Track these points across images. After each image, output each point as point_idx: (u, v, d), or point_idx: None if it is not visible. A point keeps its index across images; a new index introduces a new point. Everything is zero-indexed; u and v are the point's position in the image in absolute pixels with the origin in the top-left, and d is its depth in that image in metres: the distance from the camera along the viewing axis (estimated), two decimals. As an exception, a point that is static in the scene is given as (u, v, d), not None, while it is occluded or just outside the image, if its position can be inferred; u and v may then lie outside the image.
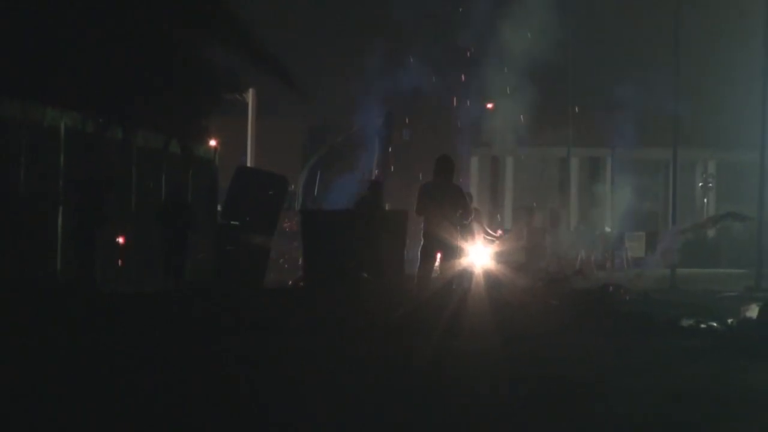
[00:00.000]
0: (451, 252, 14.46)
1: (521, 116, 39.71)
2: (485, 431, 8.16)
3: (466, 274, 16.67)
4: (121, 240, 19.95)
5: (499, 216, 49.04)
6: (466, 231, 15.73)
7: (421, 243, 14.64)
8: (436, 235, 14.28)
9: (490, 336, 13.16)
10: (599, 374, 10.73)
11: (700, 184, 49.36)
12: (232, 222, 22.44)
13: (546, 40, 35.39)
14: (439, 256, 14.57)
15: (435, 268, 14.79)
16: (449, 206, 14.32)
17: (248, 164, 35.62)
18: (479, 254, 19.36)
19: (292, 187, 29.30)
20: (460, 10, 38.41)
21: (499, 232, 23.69)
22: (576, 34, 38.20)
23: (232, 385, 9.63)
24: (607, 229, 41.20)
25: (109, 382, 9.63)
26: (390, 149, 31.15)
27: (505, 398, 9.33)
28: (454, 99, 41.19)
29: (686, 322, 14.93)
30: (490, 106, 44.04)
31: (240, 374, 10.23)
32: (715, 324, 14.65)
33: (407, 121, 41.67)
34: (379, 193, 18.73)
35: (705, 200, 49.02)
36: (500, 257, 21.08)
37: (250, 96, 36.45)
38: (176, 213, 18.44)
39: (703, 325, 14.68)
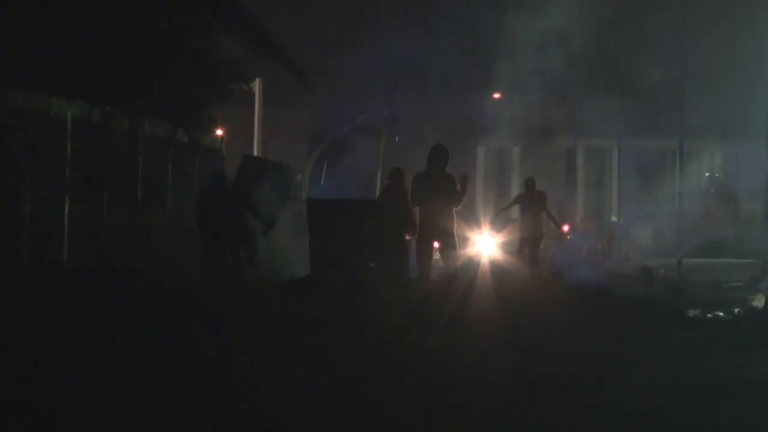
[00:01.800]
0: (449, 240, 14.46)
1: (527, 106, 39.68)
2: (487, 424, 8.18)
3: (472, 264, 16.68)
4: None
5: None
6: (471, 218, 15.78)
7: (418, 233, 14.67)
8: (431, 224, 14.30)
9: (495, 327, 13.16)
10: (603, 365, 10.74)
11: (707, 174, 49.27)
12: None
13: (552, 30, 35.34)
14: (437, 245, 14.59)
15: (435, 258, 14.81)
16: (442, 194, 14.33)
17: (255, 154, 35.61)
18: (486, 244, 19.36)
19: (299, 176, 29.31)
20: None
21: (566, 227, 23.74)
22: (582, 24, 38.13)
23: (233, 380, 9.64)
24: (614, 219, 41.17)
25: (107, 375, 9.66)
26: (396, 139, 31.20)
27: (507, 390, 9.33)
28: (460, 89, 41.16)
29: (692, 312, 14.93)
30: (496, 96, 44.00)
31: (242, 369, 10.23)
32: (721, 314, 14.65)
33: (412, 111, 41.67)
34: (401, 179, 18.70)
35: (712, 190, 48.92)
36: (507, 247, 21.10)
37: (256, 86, 36.41)
38: (217, 204, 18.58)
39: (709, 315, 14.68)
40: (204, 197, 19.46)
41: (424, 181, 14.45)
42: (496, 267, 18.58)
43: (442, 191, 14.35)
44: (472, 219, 21.48)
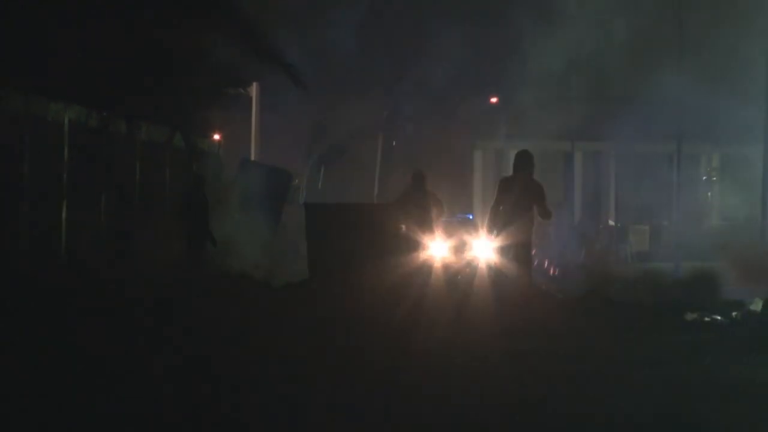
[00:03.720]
0: (522, 252, 14.45)
1: (524, 110, 39.70)
2: (487, 426, 8.17)
3: (470, 268, 16.68)
4: None
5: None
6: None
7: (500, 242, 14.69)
8: (510, 232, 14.30)
9: (493, 330, 13.15)
10: (601, 368, 10.73)
11: (704, 178, 49.26)
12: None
13: (551, 33, 35.38)
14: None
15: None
16: (527, 202, 14.31)
17: (252, 158, 35.63)
18: (483, 248, 19.29)
19: (297, 180, 29.34)
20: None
21: None
22: (581, 27, 38.16)
23: (231, 383, 9.62)
24: (611, 223, 41.20)
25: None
26: (394, 143, 31.23)
27: (506, 394, 9.32)
28: (458, 92, 41.17)
29: (690, 316, 14.92)
30: (494, 99, 44.01)
31: (240, 372, 10.21)
32: (719, 317, 14.64)
33: (410, 115, 41.67)
34: (422, 181, 18.63)
35: (709, 194, 48.92)
36: (504, 252, 21.00)
37: (253, 90, 36.42)
38: (197, 205, 18.77)
39: (706, 319, 14.67)
40: (186, 199, 19.56)
41: (509, 187, 14.42)
42: (493, 271, 18.53)
43: (526, 199, 14.32)
44: (470, 223, 21.48)
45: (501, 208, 14.36)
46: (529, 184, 14.46)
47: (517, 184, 14.32)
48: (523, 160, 14.54)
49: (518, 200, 14.24)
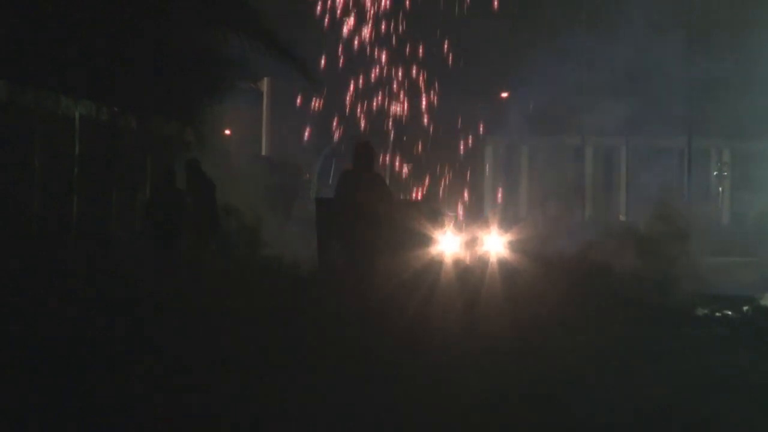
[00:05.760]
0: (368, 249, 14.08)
1: (535, 105, 39.69)
2: (488, 424, 8.16)
3: (481, 262, 16.67)
4: None
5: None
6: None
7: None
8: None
9: (500, 324, 13.13)
10: (610, 364, 10.71)
11: (715, 173, 49.21)
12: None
13: (558, 29, 35.34)
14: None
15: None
16: (369, 197, 13.54)
17: (263, 153, 35.67)
18: (494, 243, 19.30)
19: (307, 175, 29.38)
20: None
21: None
22: (588, 23, 38.13)
23: (241, 375, 9.61)
24: (622, 218, 41.19)
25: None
26: (404, 138, 31.24)
27: (513, 389, 9.31)
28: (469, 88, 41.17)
29: (701, 311, 14.90)
30: (504, 95, 44.01)
31: (249, 363, 10.21)
32: (730, 313, 14.62)
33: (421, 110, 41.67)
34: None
35: (720, 188, 48.88)
36: (516, 246, 21.00)
37: (264, 85, 36.45)
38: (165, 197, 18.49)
39: (717, 314, 14.65)
40: (155, 191, 19.23)
41: (350, 181, 13.50)
42: (504, 265, 18.51)
43: (368, 193, 13.51)
44: (480, 218, 21.47)
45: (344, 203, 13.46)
46: (373, 179, 13.51)
47: (360, 180, 13.29)
48: (363, 153, 13.40)
49: (363, 196, 13.38)
